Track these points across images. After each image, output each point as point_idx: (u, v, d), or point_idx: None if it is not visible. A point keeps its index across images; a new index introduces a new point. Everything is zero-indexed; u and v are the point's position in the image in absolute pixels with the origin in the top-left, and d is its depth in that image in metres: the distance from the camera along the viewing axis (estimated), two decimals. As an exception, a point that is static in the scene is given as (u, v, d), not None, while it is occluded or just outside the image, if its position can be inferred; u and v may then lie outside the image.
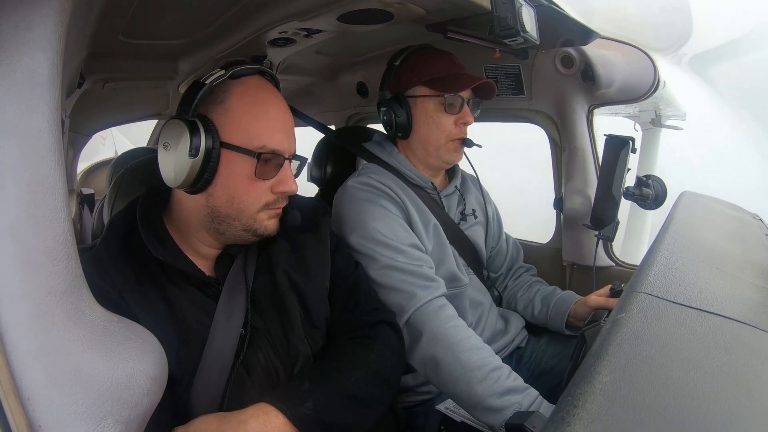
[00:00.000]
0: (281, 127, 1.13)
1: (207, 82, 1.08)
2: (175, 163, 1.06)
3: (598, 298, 1.59)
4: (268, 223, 1.15)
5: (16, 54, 0.58)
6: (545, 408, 1.22)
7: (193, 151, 1.03)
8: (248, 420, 0.98)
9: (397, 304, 1.40)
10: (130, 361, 0.71)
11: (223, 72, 1.09)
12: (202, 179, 1.06)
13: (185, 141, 1.04)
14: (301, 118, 2.00)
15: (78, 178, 3.83)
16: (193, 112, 1.08)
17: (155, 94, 2.34)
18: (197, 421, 0.99)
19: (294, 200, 1.31)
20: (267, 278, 1.21)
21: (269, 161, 1.10)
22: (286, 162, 1.14)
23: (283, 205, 1.18)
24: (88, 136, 3.11)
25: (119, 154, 3.72)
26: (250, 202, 1.11)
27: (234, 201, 1.10)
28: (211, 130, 1.06)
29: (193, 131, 1.04)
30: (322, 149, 2.09)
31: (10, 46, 0.58)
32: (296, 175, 1.20)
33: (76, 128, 2.83)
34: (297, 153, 1.19)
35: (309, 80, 2.60)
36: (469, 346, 1.33)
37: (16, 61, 0.58)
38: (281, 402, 1.01)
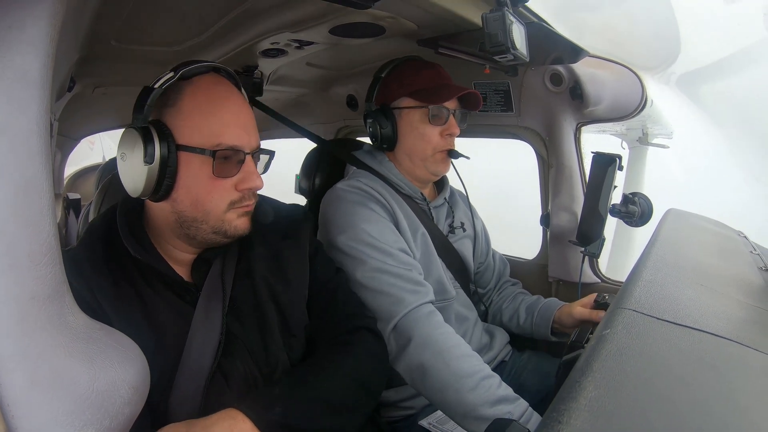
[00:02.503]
0: (237, 122, 1.10)
1: (156, 86, 1.05)
2: (133, 173, 1.04)
3: (582, 309, 1.57)
4: (238, 223, 1.13)
5: (8, 54, 0.57)
6: (534, 420, 1.21)
7: (149, 159, 1.02)
8: (213, 425, 0.95)
9: (385, 308, 1.38)
10: (112, 370, 0.70)
11: (172, 74, 1.06)
12: (162, 186, 1.05)
13: (139, 149, 1.02)
14: (292, 127, 2.00)
15: (65, 182, 3.79)
16: (145, 118, 1.05)
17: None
18: (165, 429, 0.96)
19: (274, 206, 1.30)
20: (246, 285, 1.19)
21: (228, 158, 1.08)
22: (248, 157, 1.11)
23: (250, 202, 1.14)
24: (77, 140, 3.10)
25: (107, 159, 3.70)
26: (215, 203, 1.09)
27: (198, 203, 1.08)
28: (166, 135, 1.04)
29: (146, 138, 1.02)
30: (311, 161, 2.08)
31: (2, 47, 0.57)
32: (264, 171, 1.17)
33: (64, 132, 2.82)
34: (264, 147, 1.16)
35: (299, 92, 2.61)
36: (460, 353, 1.31)
37: (8, 61, 0.57)
38: (249, 407, 0.99)
